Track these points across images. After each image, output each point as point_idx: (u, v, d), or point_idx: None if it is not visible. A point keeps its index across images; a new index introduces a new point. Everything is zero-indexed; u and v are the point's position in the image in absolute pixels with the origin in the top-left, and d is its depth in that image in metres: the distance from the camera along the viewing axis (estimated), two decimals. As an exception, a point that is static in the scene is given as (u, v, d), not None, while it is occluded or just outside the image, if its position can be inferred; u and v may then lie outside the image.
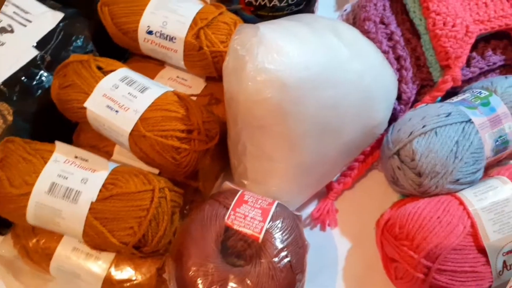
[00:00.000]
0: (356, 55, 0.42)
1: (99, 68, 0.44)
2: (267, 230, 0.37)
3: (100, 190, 0.39)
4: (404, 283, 0.45)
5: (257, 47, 0.37)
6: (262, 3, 0.52)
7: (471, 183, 0.47)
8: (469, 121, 0.47)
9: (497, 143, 0.48)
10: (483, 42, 0.57)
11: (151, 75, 0.52)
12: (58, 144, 0.41)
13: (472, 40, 0.53)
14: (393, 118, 0.52)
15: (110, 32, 0.51)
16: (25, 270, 0.43)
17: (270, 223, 0.37)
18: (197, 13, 0.48)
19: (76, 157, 0.40)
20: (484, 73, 0.57)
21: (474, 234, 0.43)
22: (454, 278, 0.43)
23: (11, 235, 0.43)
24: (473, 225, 0.44)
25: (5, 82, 0.46)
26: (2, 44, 0.48)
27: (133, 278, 0.41)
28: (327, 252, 0.50)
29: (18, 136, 0.43)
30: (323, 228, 0.51)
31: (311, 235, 0.50)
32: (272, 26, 0.40)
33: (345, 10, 0.62)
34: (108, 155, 0.47)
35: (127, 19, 0.49)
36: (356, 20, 0.60)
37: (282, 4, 0.52)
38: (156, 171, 0.45)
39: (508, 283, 0.42)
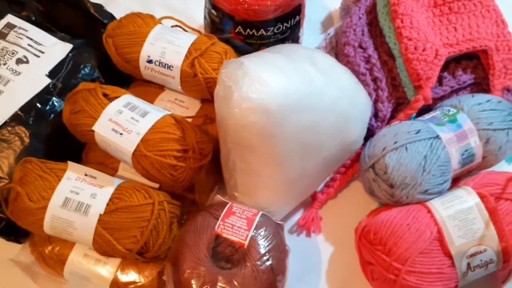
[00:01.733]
0: (331, 82, 0.47)
1: (105, 95, 0.49)
2: (251, 238, 0.42)
3: (107, 204, 0.43)
4: (379, 283, 0.49)
5: (242, 78, 0.43)
6: (251, 33, 0.57)
7: (440, 193, 0.51)
8: (437, 137, 0.51)
9: (463, 156, 0.52)
10: (454, 63, 0.60)
11: (152, 98, 0.57)
12: (70, 163, 0.46)
13: (441, 63, 0.57)
14: (371, 134, 0.56)
15: (115, 61, 0.56)
16: (42, 274, 0.48)
17: (254, 231, 0.43)
18: (192, 44, 0.53)
19: (86, 174, 0.45)
20: (455, 91, 0.60)
21: (441, 239, 0.47)
22: (422, 279, 0.47)
23: (29, 243, 0.48)
24: (439, 231, 0.47)
25: (22, 108, 0.51)
26: (19, 73, 0.52)
27: (137, 281, 0.46)
28: (312, 256, 0.54)
29: (34, 156, 0.47)
30: (308, 235, 0.55)
31: (297, 241, 0.55)
32: (255, 59, 0.45)
33: (329, 34, 0.66)
34: (114, 170, 0.52)
35: (129, 50, 0.54)
36: (338, 43, 0.65)
37: (268, 33, 0.57)
38: (157, 185, 0.50)
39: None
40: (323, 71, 0.47)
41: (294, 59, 0.46)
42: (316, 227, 0.56)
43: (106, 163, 0.52)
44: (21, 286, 0.50)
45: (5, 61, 0.53)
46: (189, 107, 0.57)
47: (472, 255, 0.47)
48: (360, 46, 0.61)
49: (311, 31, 0.69)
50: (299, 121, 0.45)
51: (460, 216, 0.48)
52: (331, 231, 0.56)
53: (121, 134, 0.46)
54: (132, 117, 0.47)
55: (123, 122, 0.47)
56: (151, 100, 0.55)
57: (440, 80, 0.60)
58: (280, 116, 0.43)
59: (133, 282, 0.46)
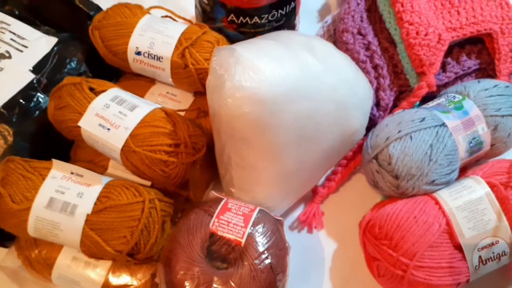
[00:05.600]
0: (329, 69, 0.45)
1: (91, 89, 0.47)
2: (249, 235, 0.40)
3: (95, 203, 0.41)
4: (386, 279, 0.47)
5: (234, 66, 0.40)
6: (244, 21, 0.54)
7: (447, 184, 0.49)
8: (443, 124, 0.49)
9: (471, 144, 0.50)
10: (458, 48, 0.59)
11: (143, 92, 0.55)
12: (55, 161, 0.44)
13: (445, 47, 0.56)
14: (373, 124, 0.54)
15: (102, 54, 0.54)
16: (29, 279, 0.46)
17: (252, 228, 0.40)
18: (182, 34, 0.51)
19: (72, 173, 0.43)
20: (460, 77, 0.59)
21: (450, 231, 0.45)
22: (431, 274, 0.45)
23: (15, 247, 0.46)
24: (448, 223, 0.46)
25: (5, 105, 0.48)
26: (1, 69, 0.50)
27: (130, 284, 0.43)
28: (314, 253, 0.52)
29: (19, 155, 0.45)
30: (309, 231, 0.53)
31: (298, 237, 0.53)
32: (248, 46, 0.43)
33: (326, 22, 0.64)
34: (104, 168, 0.50)
35: (117, 42, 0.52)
36: (336, 31, 0.63)
37: (263, 21, 0.55)
38: (149, 183, 0.48)
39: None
40: (321, 58, 0.45)
41: (289, 46, 0.44)
42: (318, 222, 0.54)
43: (96, 161, 0.50)
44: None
45: (-13, 57, 0.50)
46: (181, 101, 0.55)
47: (484, 247, 0.45)
48: (359, 33, 0.59)
49: (308, 19, 0.67)
50: (295, 110, 0.42)
51: (470, 207, 0.46)
52: (333, 227, 0.54)
53: (108, 129, 0.44)
54: (120, 111, 0.45)
55: (110, 116, 0.44)
56: (141, 95, 0.53)
57: (443, 66, 0.58)
58: (275, 106, 0.41)
59: (125, 285, 0.44)
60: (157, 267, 0.41)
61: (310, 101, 0.43)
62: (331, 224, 0.54)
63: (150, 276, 0.44)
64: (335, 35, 0.63)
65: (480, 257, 0.45)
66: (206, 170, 0.52)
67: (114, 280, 0.44)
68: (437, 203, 0.47)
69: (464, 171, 0.52)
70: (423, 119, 0.50)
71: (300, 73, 0.42)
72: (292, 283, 0.45)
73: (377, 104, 0.57)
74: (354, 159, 0.56)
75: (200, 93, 0.54)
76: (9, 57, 0.51)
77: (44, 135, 0.50)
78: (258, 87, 0.40)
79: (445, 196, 0.48)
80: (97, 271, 0.44)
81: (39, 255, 0.44)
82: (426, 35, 0.55)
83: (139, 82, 0.56)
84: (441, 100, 0.54)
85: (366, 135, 0.53)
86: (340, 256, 0.52)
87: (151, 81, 0.56)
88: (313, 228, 0.53)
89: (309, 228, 0.54)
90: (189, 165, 0.45)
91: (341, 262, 0.52)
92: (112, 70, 0.56)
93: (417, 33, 0.55)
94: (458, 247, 0.45)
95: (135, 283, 0.44)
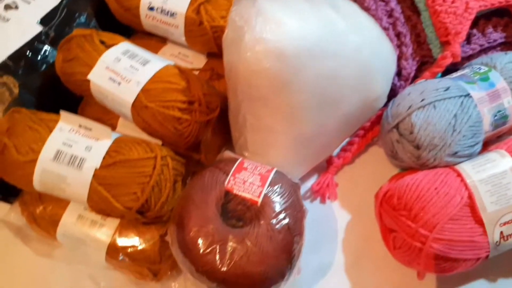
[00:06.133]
0: (353, 28, 0.43)
1: (102, 42, 0.45)
2: (265, 195, 0.38)
3: (104, 158, 0.39)
4: (402, 252, 0.46)
5: (255, 17, 0.38)
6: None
7: (470, 156, 0.47)
8: (468, 95, 0.47)
9: (495, 117, 0.48)
10: (483, 19, 0.56)
11: (153, 52, 0.52)
12: (63, 113, 0.42)
13: (472, 16, 0.53)
14: (393, 94, 0.52)
15: (112, 9, 0.51)
16: (33, 236, 0.44)
17: (269, 188, 0.38)
18: (198, -12, 0.49)
19: (80, 126, 0.41)
20: (484, 50, 0.56)
21: (472, 205, 0.44)
22: (451, 247, 0.43)
23: (19, 202, 0.44)
24: (470, 196, 0.44)
25: (11, 56, 0.46)
26: (7, 20, 0.48)
27: (137, 244, 0.42)
28: (327, 224, 0.51)
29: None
30: (322, 201, 0.52)
31: (311, 208, 0.50)
32: (270, -3, 0.40)
33: None
34: (112, 127, 0.47)
35: (129, -4, 0.50)
36: (356, -3, 0.61)
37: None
38: (159, 143, 0.46)
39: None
40: (345, 16, 0.42)
41: (312, 1, 0.41)
42: (332, 193, 0.52)
43: (104, 119, 0.48)
44: (10, 249, 0.46)
45: (-8, 6, 0.48)
46: (193, 62, 0.53)
47: (506, 223, 0.43)
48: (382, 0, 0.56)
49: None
50: (317, 68, 0.40)
51: (493, 180, 0.45)
52: (347, 198, 0.53)
53: (119, 83, 0.42)
54: (131, 65, 0.43)
55: (121, 70, 0.42)
56: (152, 53, 0.50)
57: (468, 38, 0.56)
58: (297, 61, 0.39)
59: (133, 246, 0.42)
60: (169, 226, 0.40)
61: (333, 60, 0.41)
62: (345, 196, 0.53)
63: (159, 237, 0.42)
64: (355, 2, 0.60)
65: (501, 232, 0.44)
66: (218, 134, 0.50)
67: (121, 240, 0.42)
68: (459, 175, 0.45)
69: (486, 146, 0.51)
70: (448, 88, 0.48)
71: (323, 29, 0.40)
72: (303, 254, 0.44)
73: (398, 73, 0.55)
74: (372, 129, 0.54)
75: (213, 54, 0.52)
76: (16, 8, 0.49)
77: (51, 90, 0.48)
78: (280, 40, 0.38)
79: (467, 168, 0.46)
80: (103, 231, 0.42)
81: (44, 211, 0.43)
82: (453, 2, 0.53)
83: (150, 42, 0.54)
84: (465, 71, 0.52)
85: (385, 105, 0.51)
86: (353, 228, 0.51)
87: (163, 41, 0.54)
88: (326, 198, 0.52)
89: (322, 198, 0.52)
90: (202, 124, 0.43)
91: (354, 234, 0.51)
92: (123, 28, 0.54)
93: (443, 0, 0.53)
94: (479, 222, 0.43)
95: (143, 244, 0.42)
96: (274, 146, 0.45)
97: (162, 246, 0.42)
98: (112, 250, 0.42)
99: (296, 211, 0.38)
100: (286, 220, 0.37)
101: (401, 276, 0.48)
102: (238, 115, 0.45)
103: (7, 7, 0.49)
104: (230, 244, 0.35)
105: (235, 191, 0.38)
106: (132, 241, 0.42)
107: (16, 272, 0.46)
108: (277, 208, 0.37)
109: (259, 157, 0.46)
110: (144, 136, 0.45)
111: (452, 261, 0.44)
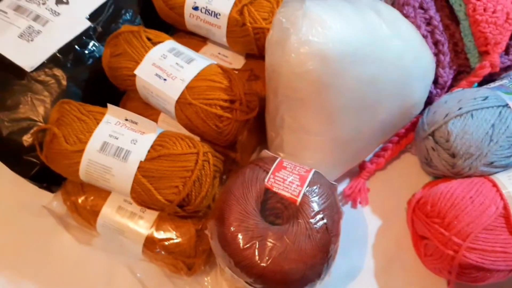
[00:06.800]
0: (396, 34, 0.43)
1: (148, 39, 0.46)
2: (304, 194, 0.38)
3: (149, 151, 0.40)
4: (433, 260, 0.46)
5: (301, 20, 0.38)
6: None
7: (505, 167, 0.47)
8: (506, 105, 0.47)
9: None
10: None
11: (194, 51, 0.54)
12: (110, 107, 0.43)
13: None
14: (429, 102, 0.52)
15: (158, 7, 0.53)
16: (74, 225, 0.46)
17: (308, 187, 0.39)
18: (242, -10, 0.50)
19: (126, 119, 0.42)
20: None
21: (507, 216, 0.43)
22: (484, 257, 0.43)
23: (61, 192, 0.46)
24: (505, 207, 0.44)
25: (61, 50, 0.48)
26: (58, 14, 0.49)
27: (174, 238, 0.43)
28: (358, 229, 0.51)
29: None
30: (354, 205, 0.52)
31: (342, 211, 0.52)
32: (317, 0, 0.41)
33: None
34: (152, 124, 0.49)
35: (175, -5, 0.51)
36: (394, 5, 0.61)
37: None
38: (198, 139, 0.47)
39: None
40: (388, 22, 0.43)
41: (357, 5, 0.42)
42: (363, 198, 0.52)
43: (145, 115, 0.48)
44: (54, 236, 0.47)
45: (44, 0, 0.50)
46: (232, 62, 0.54)
47: (541, 235, 0.43)
48: (421, 7, 0.57)
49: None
50: (359, 72, 0.41)
51: (530, 192, 0.44)
52: (378, 204, 0.53)
53: (164, 79, 0.43)
54: (177, 63, 0.44)
55: (167, 67, 0.43)
56: (193, 52, 0.51)
57: (506, 49, 0.55)
58: (340, 65, 0.39)
59: (170, 239, 0.43)
60: (208, 220, 0.41)
61: (375, 65, 0.41)
62: (376, 201, 0.53)
63: (195, 232, 0.43)
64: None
65: (535, 245, 0.43)
66: (254, 134, 0.51)
67: (158, 233, 0.43)
68: (494, 185, 0.45)
69: (521, 158, 0.50)
70: (486, 97, 0.48)
71: (367, 34, 0.41)
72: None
73: (434, 81, 0.54)
74: (406, 136, 0.54)
75: (252, 55, 0.53)
76: (67, 2, 0.51)
77: (96, 84, 0.49)
78: (325, 43, 0.38)
79: (503, 179, 0.46)
80: (142, 223, 0.43)
81: (86, 201, 0.44)
82: (494, 12, 0.53)
83: (191, 41, 0.55)
84: (504, 81, 0.51)
85: (421, 112, 0.51)
86: (384, 233, 0.51)
87: (203, 40, 0.55)
88: (358, 203, 0.52)
89: (353, 203, 0.52)
90: (242, 123, 0.44)
91: (385, 240, 0.51)
92: (165, 27, 0.55)
93: (484, 9, 0.53)
94: (514, 233, 0.43)
95: (179, 237, 0.43)
96: (310, 148, 0.46)
97: (198, 240, 0.43)
98: (150, 243, 0.43)
99: (333, 212, 0.39)
100: (324, 220, 0.37)
101: (431, 284, 0.48)
102: (276, 116, 0.46)
103: (59, 1, 0.50)
104: (269, 241, 0.36)
105: (274, 189, 0.39)
106: (169, 234, 0.43)
107: (57, 257, 0.48)
108: (316, 208, 0.38)
109: (295, 158, 0.46)
110: (184, 132, 0.46)
111: (484, 271, 0.44)
